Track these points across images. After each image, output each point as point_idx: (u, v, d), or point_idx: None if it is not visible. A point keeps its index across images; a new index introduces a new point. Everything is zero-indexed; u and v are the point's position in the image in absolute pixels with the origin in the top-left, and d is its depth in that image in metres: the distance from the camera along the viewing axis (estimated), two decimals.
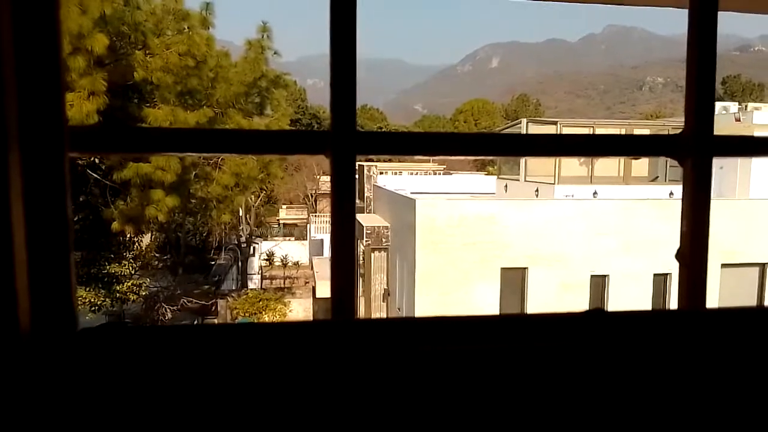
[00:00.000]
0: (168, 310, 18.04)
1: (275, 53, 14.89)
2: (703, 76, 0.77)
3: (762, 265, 12.66)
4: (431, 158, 36.52)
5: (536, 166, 19.74)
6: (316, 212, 36.04)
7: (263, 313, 19.51)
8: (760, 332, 0.85)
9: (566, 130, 18.74)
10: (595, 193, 17.06)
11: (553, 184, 18.11)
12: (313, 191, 38.71)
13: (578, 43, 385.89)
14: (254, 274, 30.17)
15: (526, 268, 12.06)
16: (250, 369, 0.72)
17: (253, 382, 0.72)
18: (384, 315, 14.93)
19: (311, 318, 23.67)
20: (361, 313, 16.41)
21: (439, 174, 32.97)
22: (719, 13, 0.77)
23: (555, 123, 21.12)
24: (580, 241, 12.08)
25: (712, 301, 12.33)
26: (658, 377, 0.80)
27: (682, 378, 0.81)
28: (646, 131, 20.59)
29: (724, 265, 12.41)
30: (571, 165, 18.78)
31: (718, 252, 12.38)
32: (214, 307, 21.59)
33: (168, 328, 0.74)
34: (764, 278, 12.76)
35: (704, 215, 0.78)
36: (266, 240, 34.96)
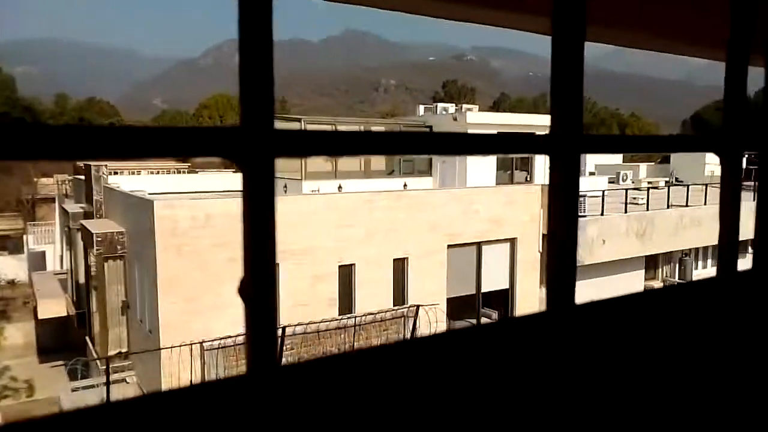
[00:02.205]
0: None
1: None
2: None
3: (478, 244, 14.62)
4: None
5: (283, 162, 19.88)
6: (34, 221, 31.06)
7: None
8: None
9: (310, 127, 19.22)
10: (340, 187, 17.86)
11: (301, 179, 18.48)
12: (30, 196, 33.34)
13: (320, 43, 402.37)
14: None
15: (277, 264, 11.94)
16: None
17: None
18: (124, 330, 13.47)
19: (34, 344, 20.35)
20: (97, 331, 14.59)
21: (184, 172, 31.18)
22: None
23: (299, 120, 21.54)
24: (328, 233, 12.45)
25: (441, 277, 13.85)
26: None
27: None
28: (381, 128, 22.24)
29: (449, 246, 14.04)
30: (317, 161, 19.37)
31: (444, 235, 13.94)
32: None
33: None
34: (480, 255, 14.76)
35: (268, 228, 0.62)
36: None
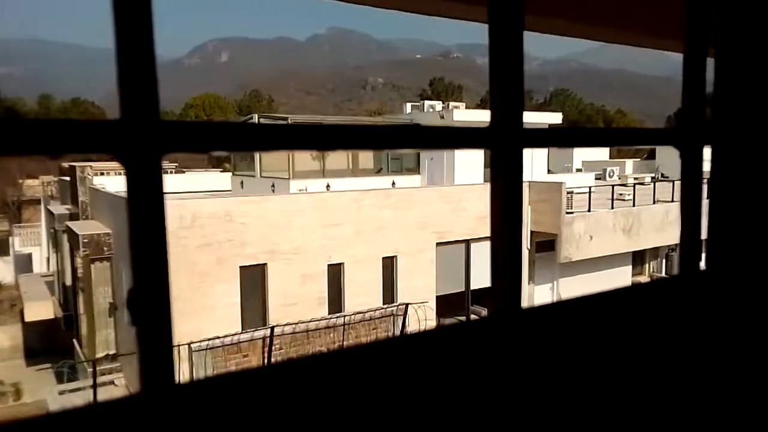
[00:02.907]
0: None
1: None
2: None
3: (467, 241, 14.67)
4: None
5: (271, 161, 19.84)
6: (20, 222, 30.72)
7: None
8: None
9: None
10: (328, 185, 17.83)
11: (288, 179, 18.41)
12: (15, 198, 32.95)
13: (306, 42, 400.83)
14: None
15: (266, 264, 11.97)
16: None
17: None
18: (112, 332, 13.36)
19: (21, 346, 20.15)
20: (84, 333, 14.47)
21: (171, 172, 30.98)
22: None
23: (286, 119, 21.48)
24: (316, 232, 12.44)
25: (430, 275, 13.87)
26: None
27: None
28: None
29: (438, 244, 14.07)
30: (305, 160, 19.32)
31: (432, 233, 13.97)
32: None
33: None
34: (469, 252, 14.81)
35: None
36: None
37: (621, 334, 1.01)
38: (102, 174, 22.50)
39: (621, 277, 17.28)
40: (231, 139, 0.58)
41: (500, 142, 0.78)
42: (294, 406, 0.65)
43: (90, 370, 11.94)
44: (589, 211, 15.81)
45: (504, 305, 0.79)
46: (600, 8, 1.37)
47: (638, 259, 18.64)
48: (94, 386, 10.47)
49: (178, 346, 10.27)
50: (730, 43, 1.12)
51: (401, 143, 0.72)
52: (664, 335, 1.08)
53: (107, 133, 0.51)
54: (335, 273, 12.83)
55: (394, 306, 13.34)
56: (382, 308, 13.21)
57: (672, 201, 17.55)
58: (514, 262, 0.79)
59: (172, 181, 24.77)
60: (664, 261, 19.38)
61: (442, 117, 21.60)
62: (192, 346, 10.45)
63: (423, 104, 27.14)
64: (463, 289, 14.87)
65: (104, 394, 11.00)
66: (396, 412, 0.73)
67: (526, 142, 0.80)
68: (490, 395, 0.81)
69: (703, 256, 1.12)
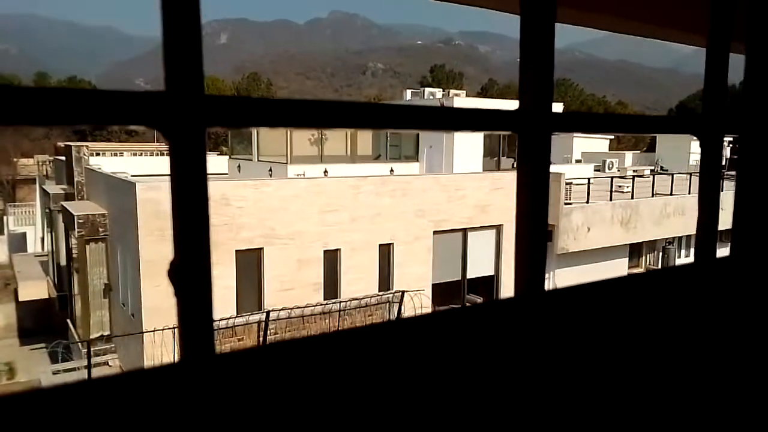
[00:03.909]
0: None
1: None
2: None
3: (464, 230, 14.63)
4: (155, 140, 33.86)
5: (269, 145, 19.73)
6: (14, 202, 30.54)
7: None
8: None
9: None
10: (325, 171, 17.74)
11: (286, 163, 18.33)
12: (10, 177, 32.76)
13: (306, 25, 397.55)
14: None
15: (262, 248, 11.92)
16: None
17: None
18: (106, 313, 13.33)
19: (15, 326, 20.12)
20: (78, 314, 14.43)
21: (167, 154, 30.80)
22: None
23: None
24: (313, 218, 12.38)
25: (426, 263, 13.85)
26: None
27: None
28: None
29: (435, 232, 14.02)
30: (303, 145, 19.22)
31: (430, 221, 13.92)
32: None
33: None
34: (466, 241, 14.78)
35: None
36: None
37: (638, 317, 1.04)
38: (98, 154, 22.37)
39: (617, 270, 17.30)
40: (272, 114, 0.58)
41: (529, 125, 0.78)
42: (334, 378, 0.68)
43: (84, 350, 11.92)
44: (587, 202, 15.78)
45: (527, 287, 0.81)
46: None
47: (635, 251, 18.64)
48: (89, 366, 10.45)
49: (173, 328, 10.24)
50: (762, 36, 1.11)
51: (429, 124, 0.72)
52: (680, 319, 1.11)
53: (152, 105, 0.51)
54: (332, 259, 12.79)
55: (390, 293, 13.33)
56: (378, 295, 13.20)
57: (671, 194, 17.53)
58: (539, 244, 0.81)
59: (166, 164, 24.59)
60: (661, 254, 19.40)
61: (442, 105, 21.46)
62: None
63: (423, 91, 26.98)
64: (459, 278, 14.86)
65: (98, 374, 10.98)
66: (426, 386, 0.75)
67: (555, 127, 0.80)
68: (513, 373, 0.83)
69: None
